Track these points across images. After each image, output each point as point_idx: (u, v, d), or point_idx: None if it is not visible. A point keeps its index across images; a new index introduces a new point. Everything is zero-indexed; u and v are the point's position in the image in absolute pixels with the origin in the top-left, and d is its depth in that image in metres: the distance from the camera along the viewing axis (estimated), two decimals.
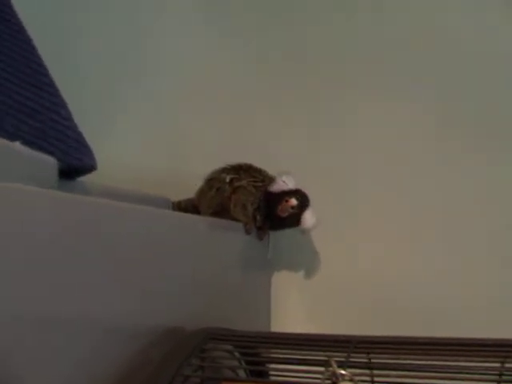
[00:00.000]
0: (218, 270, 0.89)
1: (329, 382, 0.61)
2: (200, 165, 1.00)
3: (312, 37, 1.10)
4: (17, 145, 0.58)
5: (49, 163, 0.60)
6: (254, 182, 0.93)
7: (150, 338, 0.71)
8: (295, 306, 1.02)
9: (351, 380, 0.60)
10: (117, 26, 1.26)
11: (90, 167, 0.66)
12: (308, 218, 0.91)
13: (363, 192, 1.01)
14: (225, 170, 0.97)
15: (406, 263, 0.96)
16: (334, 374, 0.60)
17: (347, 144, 1.04)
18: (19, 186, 0.51)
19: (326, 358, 0.62)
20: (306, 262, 1.02)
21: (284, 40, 1.12)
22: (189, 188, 1.00)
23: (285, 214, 0.91)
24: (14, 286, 0.52)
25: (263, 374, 0.73)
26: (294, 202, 0.89)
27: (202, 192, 0.99)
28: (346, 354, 0.64)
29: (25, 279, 0.53)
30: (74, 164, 0.64)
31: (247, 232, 0.92)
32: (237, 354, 0.76)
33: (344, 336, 0.69)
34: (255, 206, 0.91)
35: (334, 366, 0.61)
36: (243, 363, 0.77)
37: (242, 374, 0.77)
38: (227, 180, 0.94)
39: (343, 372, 0.60)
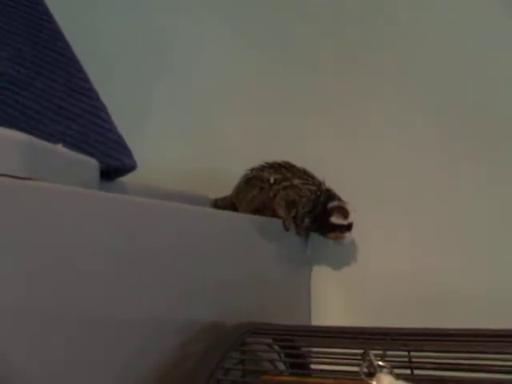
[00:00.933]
0: (259, 266, 0.91)
1: (366, 372, 0.62)
2: (236, 163, 1.02)
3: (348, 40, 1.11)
4: (59, 147, 0.60)
5: (91, 165, 0.62)
6: (307, 183, 0.95)
7: (192, 333, 0.73)
8: (335, 301, 1.03)
9: (390, 372, 0.61)
10: (153, 28, 1.29)
11: (130, 167, 0.68)
12: (348, 236, 0.97)
13: (402, 191, 1.01)
14: (264, 169, 0.98)
15: (443, 260, 0.96)
16: (372, 365, 0.61)
17: (385, 144, 1.05)
18: (62, 187, 0.54)
19: (363, 351, 0.63)
20: (345, 257, 1.02)
21: (320, 40, 1.13)
22: (226, 185, 1.02)
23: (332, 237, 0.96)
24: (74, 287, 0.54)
25: (303, 367, 0.74)
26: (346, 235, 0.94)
27: (240, 190, 1.00)
28: (383, 347, 0.65)
29: (78, 281, 0.56)
30: (115, 165, 0.66)
31: (285, 228, 0.94)
32: (276, 347, 0.77)
33: (382, 328, 0.70)
34: (307, 209, 0.94)
35: (372, 357, 0.61)
36: (283, 356, 0.78)
37: (282, 366, 0.79)
38: (272, 181, 0.96)
39: (381, 363, 0.61)
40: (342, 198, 0.96)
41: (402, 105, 1.03)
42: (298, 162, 0.98)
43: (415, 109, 1.02)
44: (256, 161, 0.99)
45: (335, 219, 0.94)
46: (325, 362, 0.68)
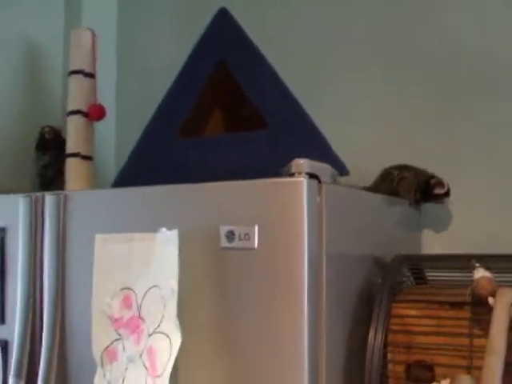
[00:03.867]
0: (392, 230, 1.55)
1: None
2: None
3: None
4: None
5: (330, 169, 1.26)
6: (415, 173, 1.58)
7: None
8: None
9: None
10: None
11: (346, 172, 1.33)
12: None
13: None
14: (392, 168, 1.62)
15: None
16: (473, 266, 1.23)
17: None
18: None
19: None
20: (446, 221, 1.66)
21: None
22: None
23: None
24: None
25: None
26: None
27: (377, 182, 1.64)
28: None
29: None
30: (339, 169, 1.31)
31: (410, 204, 1.58)
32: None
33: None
34: (416, 188, 1.57)
35: (473, 262, 1.23)
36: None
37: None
38: (395, 175, 1.60)
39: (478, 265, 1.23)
40: None
41: None
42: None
43: None
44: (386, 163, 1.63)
45: (437, 190, 1.56)
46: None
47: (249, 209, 1.16)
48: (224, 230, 1.16)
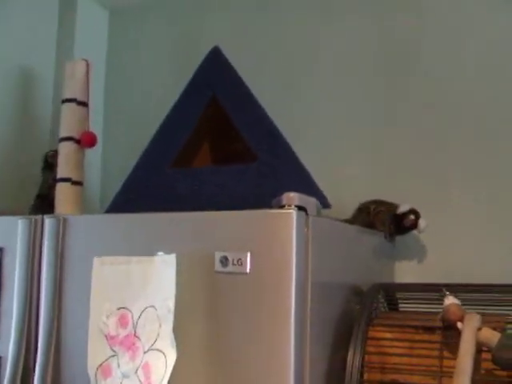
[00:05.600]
0: (368, 260, 1.67)
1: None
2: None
3: None
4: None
5: (315, 202, 1.38)
6: (388, 207, 1.71)
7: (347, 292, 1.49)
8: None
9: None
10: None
11: (328, 205, 1.45)
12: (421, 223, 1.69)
13: None
14: (369, 203, 1.75)
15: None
16: (444, 294, 1.35)
17: None
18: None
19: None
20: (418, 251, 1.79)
21: None
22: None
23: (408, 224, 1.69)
24: None
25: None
26: (412, 217, 1.68)
27: (355, 215, 1.76)
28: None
29: None
30: (322, 202, 1.42)
31: (385, 237, 1.70)
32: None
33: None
34: (390, 221, 1.69)
35: (444, 290, 1.35)
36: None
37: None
38: (372, 209, 1.72)
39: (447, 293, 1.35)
40: None
41: None
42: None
43: None
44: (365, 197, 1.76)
45: (406, 222, 1.69)
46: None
47: (242, 236, 1.26)
48: (218, 255, 1.26)
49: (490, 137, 1.79)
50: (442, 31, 1.87)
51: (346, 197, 1.77)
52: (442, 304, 1.32)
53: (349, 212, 1.73)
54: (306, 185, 1.49)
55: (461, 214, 1.78)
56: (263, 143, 1.56)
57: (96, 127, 2.06)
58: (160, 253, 1.29)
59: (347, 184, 1.88)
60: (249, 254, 1.23)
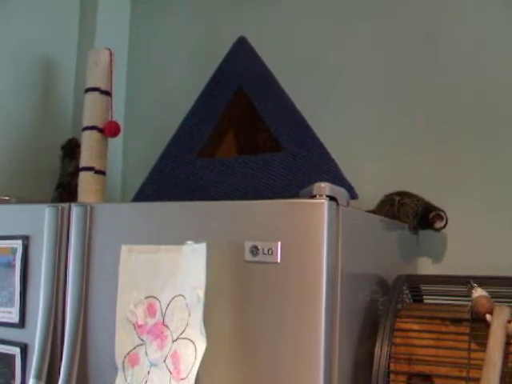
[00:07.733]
0: (393, 251, 1.66)
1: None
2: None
3: None
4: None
5: (345, 193, 1.38)
6: (413, 200, 1.70)
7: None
8: None
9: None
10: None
11: (356, 196, 1.44)
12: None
13: None
14: (393, 194, 1.74)
15: None
16: (472, 286, 1.35)
17: None
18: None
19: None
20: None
21: None
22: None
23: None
24: None
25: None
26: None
27: (379, 207, 1.76)
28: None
29: None
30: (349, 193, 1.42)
31: (410, 228, 1.69)
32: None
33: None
34: (415, 214, 1.69)
35: (472, 282, 1.35)
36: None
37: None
38: (396, 201, 1.72)
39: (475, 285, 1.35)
40: None
41: None
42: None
43: None
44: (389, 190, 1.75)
45: (437, 224, 1.68)
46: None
47: (273, 226, 1.26)
48: (249, 244, 1.26)
49: (509, 132, 1.77)
50: (458, 30, 1.85)
51: (370, 189, 1.75)
52: (465, 297, 1.31)
53: (371, 204, 1.72)
54: (334, 175, 1.48)
55: (482, 207, 1.77)
56: (290, 133, 1.56)
57: (117, 117, 2.06)
58: (189, 242, 1.29)
59: (366, 178, 1.86)
60: (279, 244, 1.23)
